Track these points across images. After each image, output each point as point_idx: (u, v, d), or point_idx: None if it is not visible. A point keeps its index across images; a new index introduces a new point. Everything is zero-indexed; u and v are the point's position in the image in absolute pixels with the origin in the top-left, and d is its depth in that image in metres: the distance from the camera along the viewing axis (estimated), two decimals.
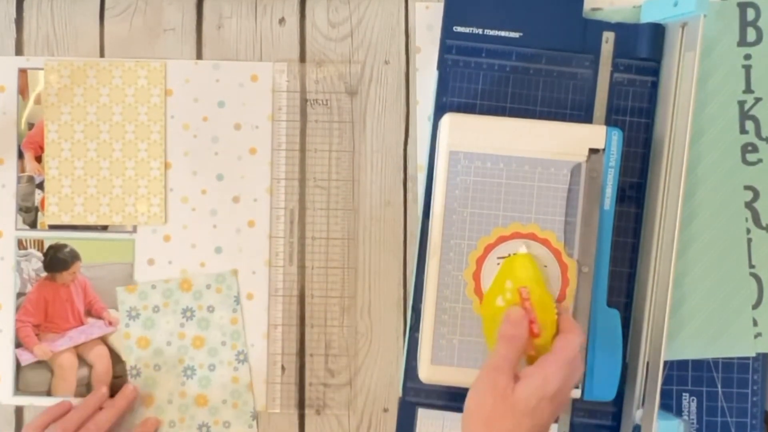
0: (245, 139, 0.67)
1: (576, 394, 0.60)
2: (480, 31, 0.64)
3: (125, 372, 0.66)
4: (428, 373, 0.61)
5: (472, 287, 0.61)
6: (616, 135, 0.60)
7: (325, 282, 0.65)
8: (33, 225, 0.67)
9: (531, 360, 0.55)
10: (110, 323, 0.67)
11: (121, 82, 0.67)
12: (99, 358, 0.67)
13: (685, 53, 0.61)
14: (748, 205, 0.65)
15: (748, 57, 0.65)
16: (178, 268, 0.67)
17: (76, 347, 0.67)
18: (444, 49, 0.65)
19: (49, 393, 0.66)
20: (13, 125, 0.67)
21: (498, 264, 0.59)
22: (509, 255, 0.59)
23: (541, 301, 0.56)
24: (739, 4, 0.65)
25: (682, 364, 0.65)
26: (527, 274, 0.57)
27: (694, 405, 0.65)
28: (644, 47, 0.63)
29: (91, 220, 0.67)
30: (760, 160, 0.65)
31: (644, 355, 0.61)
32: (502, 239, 0.60)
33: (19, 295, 0.67)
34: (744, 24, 0.65)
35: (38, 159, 0.67)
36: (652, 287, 0.61)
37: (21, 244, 0.67)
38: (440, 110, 0.64)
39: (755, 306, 0.64)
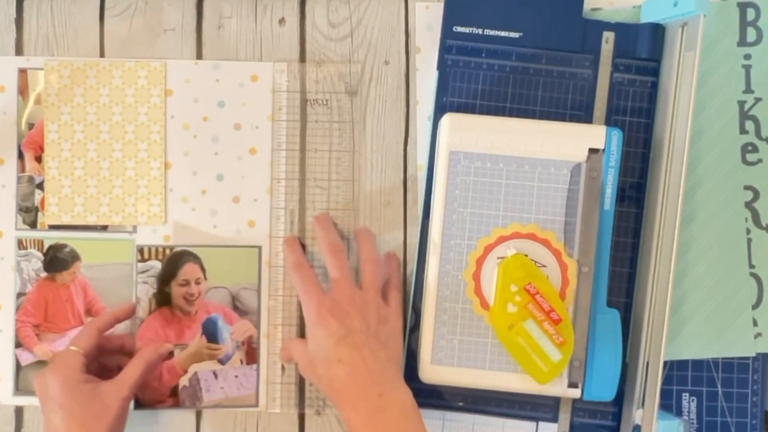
0: (245, 139, 0.67)
1: (576, 394, 0.60)
2: (480, 31, 0.64)
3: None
4: (428, 373, 0.61)
5: (472, 287, 0.61)
6: (616, 135, 0.60)
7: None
8: (33, 225, 0.67)
9: (561, 346, 0.57)
10: None
11: (121, 82, 0.67)
12: None
13: (685, 53, 0.61)
14: (748, 205, 0.65)
15: (748, 57, 0.65)
16: None
17: None
18: (444, 49, 0.65)
19: None
20: (13, 125, 0.67)
21: (498, 264, 0.60)
22: (500, 260, 0.60)
23: (549, 291, 0.58)
24: (739, 4, 0.65)
25: (682, 364, 0.65)
26: (526, 271, 0.58)
27: (694, 405, 0.65)
28: (644, 47, 0.63)
29: (91, 220, 0.67)
30: (760, 160, 0.65)
31: (644, 355, 0.61)
32: (501, 239, 0.60)
33: (19, 295, 0.67)
34: (744, 24, 0.65)
35: (38, 159, 0.67)
36: (652, 287, 0.61)
37: (21, 244, 0.67)
38: (440, 110, 0.64)
39: (755, 306, 0.64)
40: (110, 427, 0.58)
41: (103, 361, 0.64)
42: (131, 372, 0.61)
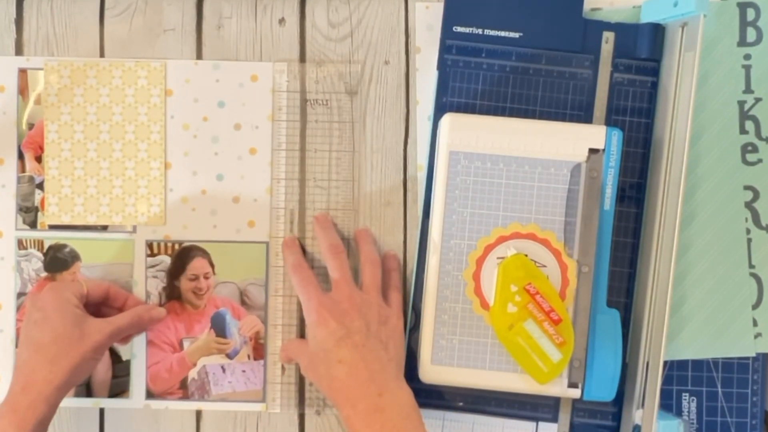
0: (245, 139, 0.67)
1: (576, 394, 0.60)
2: (480, 31, 0.64)
3: (127, 371, 0.67)
4: (428, 373, 0.61)
5: (472, 287, 0.61)
6: (616, 135, 0.60)
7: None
8: (33, 225, 0.67)
9: (561, 346, 0.57)
10: None
11: (121, 83, 0.67)
12: None
13: (685, 53, 0.61)
14: (748, 205, 0.65)
15: (748, 57, 0.65)
16: None
17: None
18: (444, 49, 0.65)
19: None
20: (13, 125, 0.67)
21: (497, 264, 0.60)
22: (500, 260, 0.60)
23: (549, 291, 0.58)
24: (739, 4, 0.65)
25: (682, 364, 0.65)
26: (526, 271, 0.58)
27: (694, 405, 0.65)
28: (644, 47, 0.63)
29: (91, 220, 0.67)
30: (760, 160, 0.65)
31: (644, 355, 0.61)
32: (501, 239, 0.60)
33: (19, 295, 0.67)
34: (744, 24, 0.65)
35: (38, 159, 0.67)
36: (652, 287, 0.61)
37: (21, 244, 0.67)
38: (440, 110, 0.64)
39: (755, 306, 0.64)
40: (83, 355, 0.59)
41: (102, 311, 0.65)
42: (121, 317, 0.63)
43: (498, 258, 0.60)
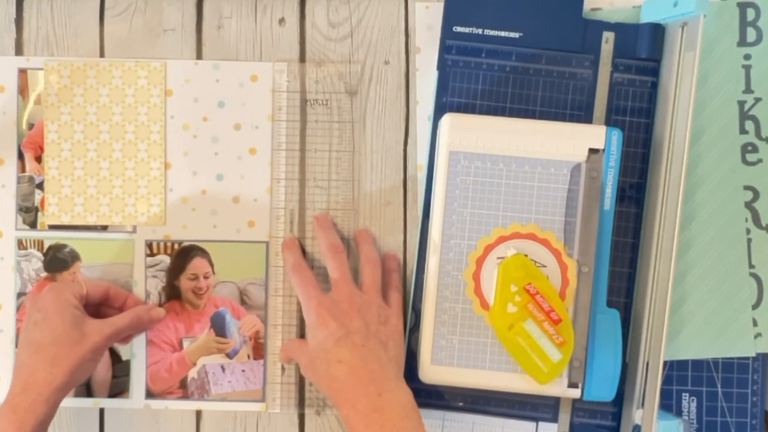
0: (245, 139, 0.67)
1: (576, 394, 0.60)
2: (480, 31, 0.64)
3: (127, 371, 0.67)
4: (428, 373, 0.61)
5: (472, 287, 0.61)
6: (616, 135, 0.60)
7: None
8: (33, 225, 0.67)
9: (561, 346, 0.57)
10: None
11: (121, 83, 0.67)
12: None
13: (685, 53, 0.61)
14: (748, 205, 0.65)
15: (748, 57, 0.65)
16: None
17: None
18: (444, 49, 0.65)
19: None
20: (13, 125, 0.67)
21: (497, 264, 0.60)
22: (500, 260, 0.60)
23: (548, 291, 0.58)
24: (739, 4, 0.65)
25: (682, 364, 0.65)
26: (526, 272, 0.58)
27: (694, 405, 0.65)
28: (644, 47, 0.63)
29: (91, 220, 0.67)
30: (760, 160, 0.65)
31: (644, 355, 0.61)
32: (501, 239, 0.60)
33: (19, 295, 0.67)
34: (744, 24, 0.65)
35: (38, 159, 0.67)
36: (652, 287, 0.61)
37: (21, 244, 0.67)
38: (440, 110, 0.64)
39: (755, 306, 0.64)
40: (83, 356, 0.59)
41: (102, 311, 0.65)
42: (120, 318, 0.63)
43: (498, 258, 0.60)
